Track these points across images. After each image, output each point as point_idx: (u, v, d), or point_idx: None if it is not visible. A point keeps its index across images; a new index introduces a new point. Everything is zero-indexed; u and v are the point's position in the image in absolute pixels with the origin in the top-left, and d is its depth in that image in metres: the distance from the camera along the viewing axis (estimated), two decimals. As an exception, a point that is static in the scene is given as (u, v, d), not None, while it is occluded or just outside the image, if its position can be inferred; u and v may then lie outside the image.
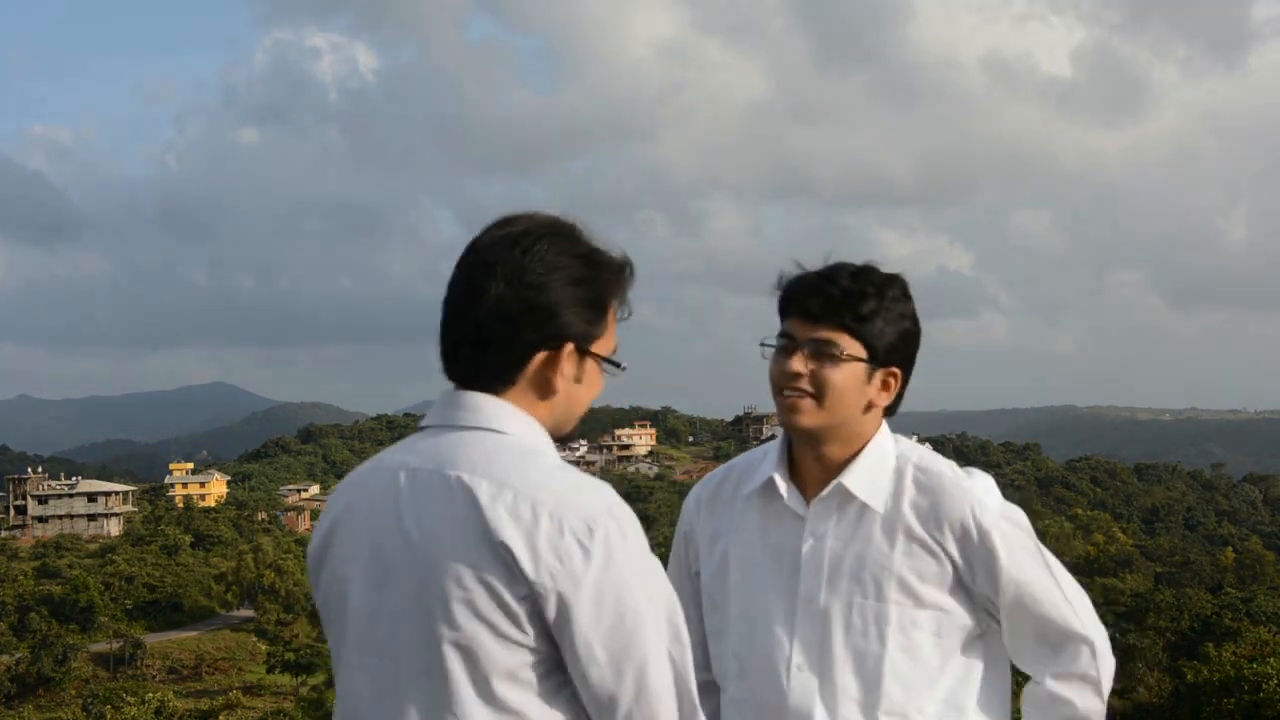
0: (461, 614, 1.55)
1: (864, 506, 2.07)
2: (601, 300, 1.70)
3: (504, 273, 1.64)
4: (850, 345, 2.03)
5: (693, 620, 2.21)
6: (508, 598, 1.54)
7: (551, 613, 1.54)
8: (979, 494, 2.06)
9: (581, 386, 1.71)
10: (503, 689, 1.56)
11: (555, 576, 1.53)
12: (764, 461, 2.18)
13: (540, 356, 1.66)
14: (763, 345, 2.10)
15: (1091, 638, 2.10)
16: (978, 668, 2.11)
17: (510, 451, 1.62)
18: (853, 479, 2.08)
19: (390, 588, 1.61)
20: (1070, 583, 2.11)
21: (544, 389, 1.68)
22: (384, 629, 1.62)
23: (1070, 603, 2.09)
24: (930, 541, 2.04)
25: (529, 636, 1.55)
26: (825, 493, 2.09)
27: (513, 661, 1.56)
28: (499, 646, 1.55)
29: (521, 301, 1.64)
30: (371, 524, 1.65)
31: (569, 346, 1.67)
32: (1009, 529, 2.05)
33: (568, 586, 1.53)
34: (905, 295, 2.09)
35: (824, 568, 2.07)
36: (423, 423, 1.72)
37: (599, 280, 1.69)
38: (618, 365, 1.75)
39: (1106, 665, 2.11)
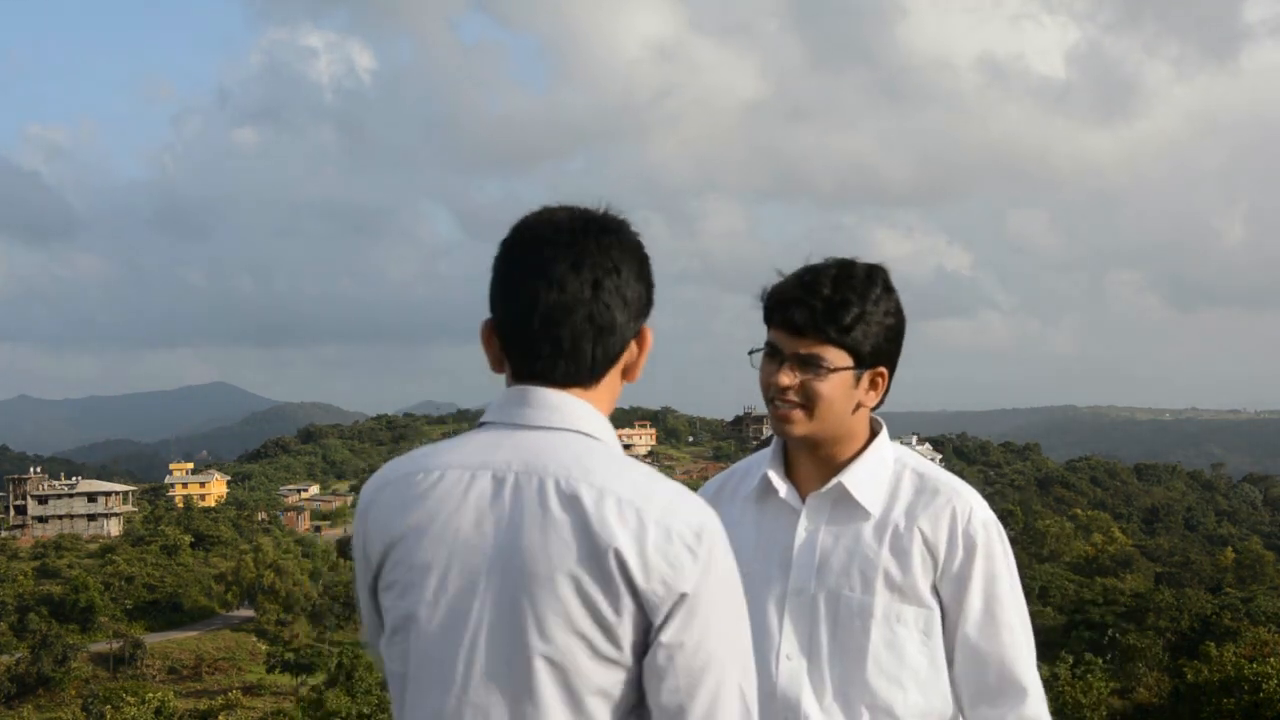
0: (557, 628, 1.47)
1: (859, 506, 2.10)
2: (653, 282, 1.68)
3: (610, 261, 1.59)
4: (836, 357, 2.04)
5: None
6: (606, 612, 1.47)
7: (659, 622, 1.48)
8: (972, 500, 2.11)
9: None
10: (593, 708, 1.49)
11: (668, 584, 1.47)
12: (761, 463, 2.22)
13: (634, 342, 1.64)
14: (751, 355, 2.12)
15: (1037, 687, 2.09)
16: None
17: (603, 456, 1.55)
18: (852, 480, 2.11)
19: (474, 597, 1.51)
20: (1028, 625, 2.11)
21: (629, 374, 1.66)
22: (465, 641, 1.52)
23: (1027, 643, 2.09)
24: (919, 540, 2.07)
25: (624, 655, 1.48)
26: (823, 489, 2.12)
27: (606, 680, 1.48)
28: (593, 664, 1.48)
29: (630, 288, 1.60)
30: (447, 528, 1.54)
31: (648, 331, 1.66)
32: (991, 544, 2.08)
33: (678, 594, 1.48)
34: (888, 289, 2.08)
35: (814, 560, 2.10)
36: (486, 418, 1.63)
37: (650, 262, 1.67)
38: None
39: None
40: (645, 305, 1.64)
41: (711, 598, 1.49)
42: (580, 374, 1.60)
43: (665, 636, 1.47)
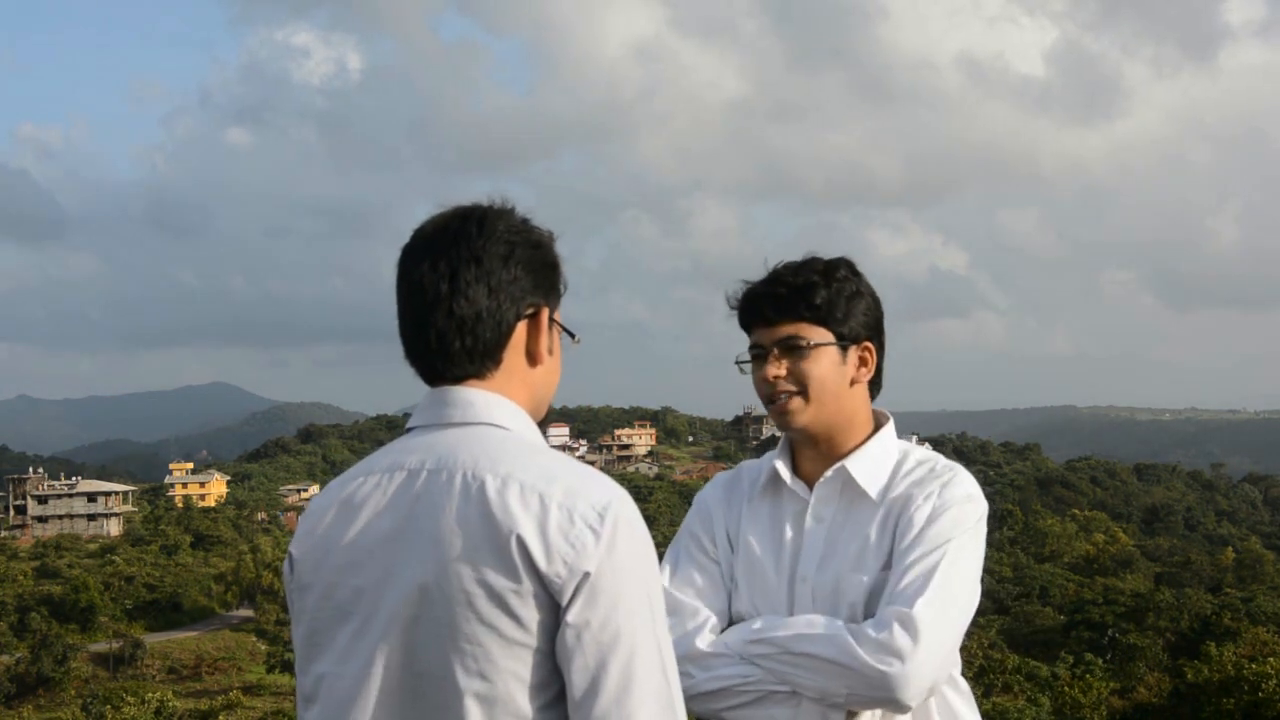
0: (464, 618, 1.50)
1: (863, 492, 2.13)
2: (557, 265, 1.71)
3: (469, 251, 1.63)
4: (815, 333, 2.10)
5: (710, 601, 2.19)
6: (511, 598, 1.49)
7: (565, 603, 1.49)
8: (964, 479, 2.11)
9: (553, 359, 1.71)
10: (507, 694, 1.51)
11: (569, 564, 1.49)
12: (769, 462, 2.25)
13: (522, 326, 1.66)
14: (738, 363, 2.17)
15: (924, 621, 1.94)
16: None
17: (511, 446, 1.59)
18: (856, 465, 2.14)
19: (389, 592, 1.56)
20: (962, 591, 2.00)
21: (532, 359, 1.67)
22: (378, 634, 1.56)
23: (945, 583, 1.97)
24: (912, 513, 2.07)
25: (534, 639, 1.50)
26: (828, 475, 2.15)
27: (517, 665, 1.51)
28: (503, 649, 1.50)
29: (496, 274, 1.63)
30: (367, 528, 1.60)
31: (545, 312, 1.68)
32: (962, 511, 2.05)
33: (581, 573, 1.49)
34: (854, 273, 2.15)
35: (821, 546, 2.12)
36: (411, 423, 1.68)
37: (545, 246, 1.70)
38: (572, 335, 1.75)
39: (920, 665, 1.93)
40: (530, 289, 1.65)
41: (618, 575, 1.50)
42: (461, 367, 1.63)
43: (571, 616, 1.48)
